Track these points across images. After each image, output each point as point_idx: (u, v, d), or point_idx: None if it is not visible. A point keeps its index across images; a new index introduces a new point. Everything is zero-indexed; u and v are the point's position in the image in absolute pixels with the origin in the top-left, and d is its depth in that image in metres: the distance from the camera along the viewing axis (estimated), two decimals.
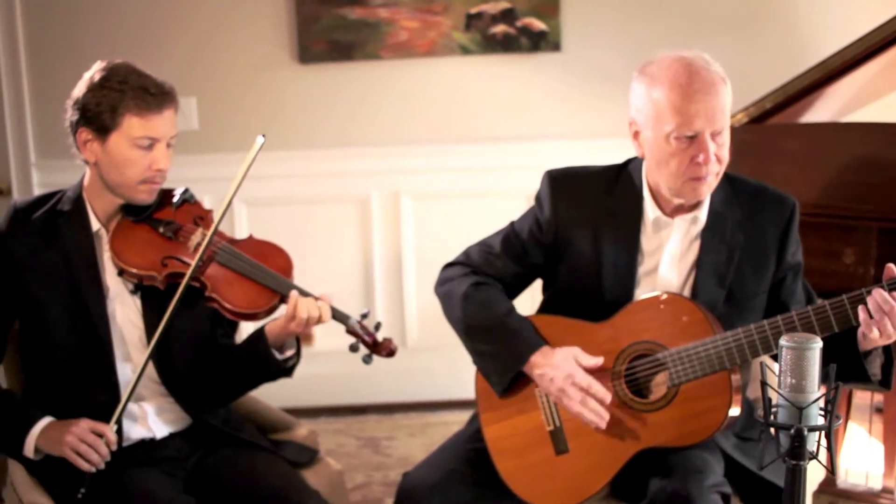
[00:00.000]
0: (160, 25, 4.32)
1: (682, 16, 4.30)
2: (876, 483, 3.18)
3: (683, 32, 4.24)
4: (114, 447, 2.26)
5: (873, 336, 2.05)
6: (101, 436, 2.24)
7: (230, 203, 2.31)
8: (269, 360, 2.36)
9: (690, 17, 4.30)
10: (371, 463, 3.95)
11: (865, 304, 2.05)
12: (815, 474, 3.28)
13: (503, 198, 4.18)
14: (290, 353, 2.41)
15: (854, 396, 3.30)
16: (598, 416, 2.23)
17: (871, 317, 2.04)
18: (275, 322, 2.34)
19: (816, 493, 3.21)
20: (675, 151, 2.18)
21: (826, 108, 3.71)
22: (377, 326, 2.40)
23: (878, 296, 2.03)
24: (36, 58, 4.36)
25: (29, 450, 2.29)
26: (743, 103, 3.58)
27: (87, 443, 2.23)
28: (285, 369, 2.41)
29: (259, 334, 2.37)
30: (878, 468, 3.14)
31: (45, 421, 2.31)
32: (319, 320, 2.30)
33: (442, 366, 4.24)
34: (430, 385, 4.42)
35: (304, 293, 2.32)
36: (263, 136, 2.30)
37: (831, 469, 1.70)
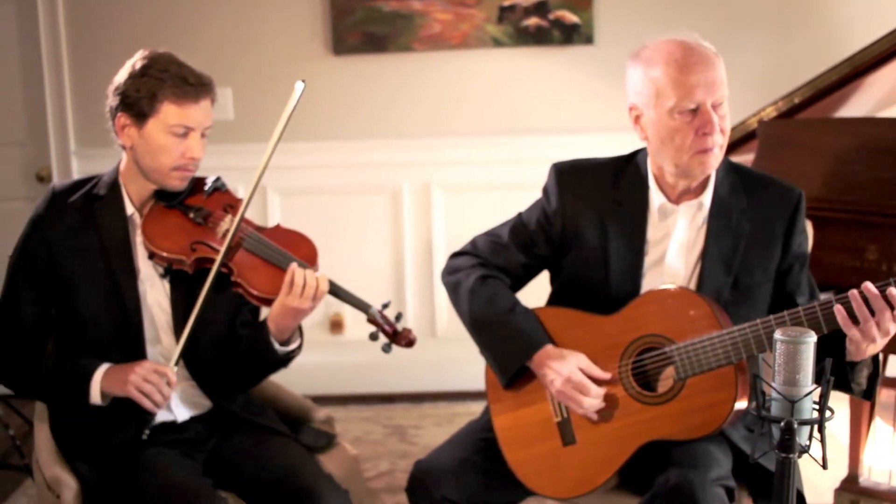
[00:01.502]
0: (198, 17, 4.41)
1: (715, 10, 4.30)
2: None
3: (715, 26, 4.21)
4: (174, 388, 2.33)
5: (854, 336, 2.06)
6: (162, 375, 2.31)
7: (261, 178, 2.34)
8: (267, 349, 2.40)
9: (724, 11, 4.30)
10: (396, 451, 3.99)
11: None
12: (836, 472, 3.27)
13: (534, 190, 4.16)
14: (293, 346, 2.45)
15: (879, 394, 3.28)
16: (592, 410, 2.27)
17: (852, 319, 2.05)
18: (276, 302, 2.34)
19: (838, 491, 3.19)
20: (679, 126, 2.21)
21: (860, 104, 3.67)
22: (398, 317, 2.43)
23: (868, 290, 2.03)
24: (77, 49, 4.47)
25: (95, 394, 2.35)
26: (774, 97, 3.56)
27: (150, 382, 2.30)
28: (282, 360, 2.44)
29: (261, 325, 2.41)
30: None
31: (106, 365, 2.37)
32: (318, 292, 2.31)
33: (470, 356, 4.19)
34: (459, 375, 4.44)
35: (303, 266, 2.34)
36: (303, 81, 2.33)
37: (823, 464, 1.70)
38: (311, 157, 4.38)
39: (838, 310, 2.06)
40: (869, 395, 2.23)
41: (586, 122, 4.38)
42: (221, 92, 4.27)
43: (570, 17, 4.29)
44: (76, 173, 4.51)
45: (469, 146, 4.43)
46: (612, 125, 4.29)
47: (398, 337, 2.40)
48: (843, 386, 2.19)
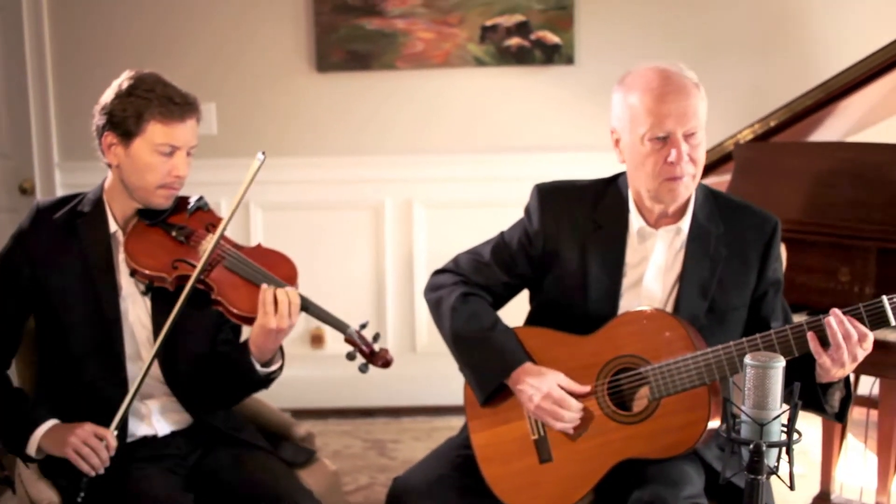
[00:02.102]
0: (182, 33, 4.44)
1: (694, 32, 4.36)
2: (870, 499, 3.21)
3: (696, 49, 4.30)
4: (113, 452, 2.32)
5: (825, 364, 2.11)
6: (102, 439, 2.31)
7: (235, 210, 2.38)
8: (248, 370, 2.41)
9: (703, 33, 4.36)
10: (376, 465, 4.02)
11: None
12: (808, 489, 3.32)
13: (514, 207, 4.19)
14: (274, 367, 2.46)
15: (852, 412, 3.33)
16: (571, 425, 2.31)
17: (823, 345, 2.10)
18: (255, 324, 2.36)
19: None
20: (649, 152, 2.26)
21: (834, 128, 3.75)
22: (376, 337, 2.44)
23: (836, 317, 2.09)
24: (61, 61, 4.49)
25: (32, 449, 2.37)
26: (752, 120, 3.63)
27: (89, 446, 2.30)
28: (262, 380, 2.46)
29: (242, 346, 2.43)
30: (873, 484, 3.17)
31: (51, 423, 2.39)
32: (291, 306, 2.32)
33: (449, 371, 4.23)
34: (438, 390, 4.48)
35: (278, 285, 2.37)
36: (263, 153, 2.37)
37: (790, 485, 1.75)
38: (294, 173, 4.42)
39: (811, 336, 2.11)
40: (841, 417, 2.29)
41: (566, 141, 4.44)
42: (205, 107, 4.26)
43: (552, 38, 4.35)
44: (59, 186, 4.54)
45: (451, 163, 4.47)
46: (591, 144, 4.35)
47: (375, 357, 2.41)
48: (817, 407, 2.25)
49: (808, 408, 2.25)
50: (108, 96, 2.42)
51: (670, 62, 2.32)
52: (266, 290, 2.33)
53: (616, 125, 2.35)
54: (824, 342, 2.12)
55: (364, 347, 2.40)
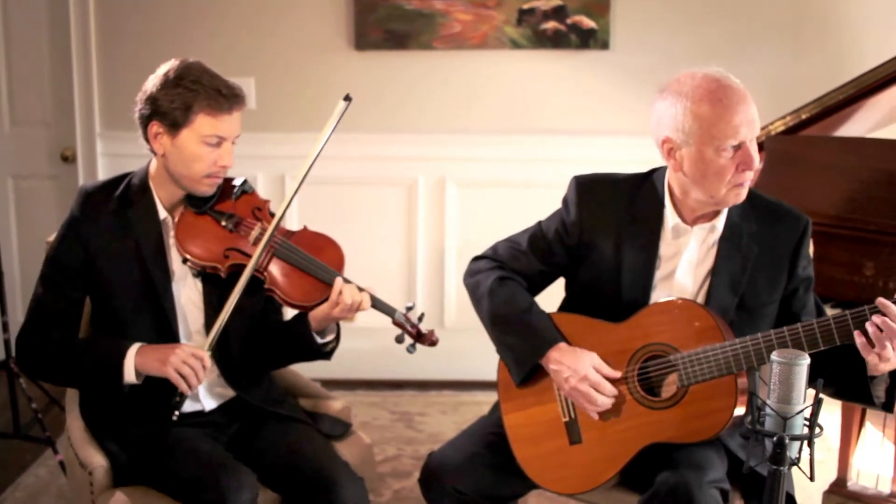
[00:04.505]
0: (223, 8, 4.49)
1: (730, 22, 4.38)
2: (885, 486, 3.25)
3: (730, 38, 4.33)
4: (208, 373, 2.42)
5: (872, 361, 2.18)
6: (199, 360, 2.39)
7: (293, 198, 2.47)
8: (310, 344, 2.53)
9: (739, 23, 4.38)
10: (403, 437, 4.11)
11: (867, 320, 2.17)
12: (825, 475, 3.39)
13: (545, 189, 4.27)
14: (329, 337, 2.57)
15: None
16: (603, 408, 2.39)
17: (870, 343, 2.16)
18: (319, 308, 2.47)
19: (826, 493, 3.29)
20: (724, 162, 2.30)
21: (863, 122, 3.77)
22: (421, 318, 2.54)
23: (878, 319, 2.15)
24: (105, 31, 4.56)
25: (129, 372, 2.40)
26: (784, 112, 3.66)
27: (188, 364, 2.38)
28: (323, 353, 2.57)
29: (302, 318, 2.52)
30: (889, 472, 3.22)
31: (139, 344, 2.43)
32: (360, 307, 2.45)
33: (477, 347, 4.33)
34: (465, 365, 4.58)
35: (347, 281, 2.47)
36: (349, 98, 2.44)
37: (811, 476, 1.84)
38: (329, 149, 4.42)
39: (857, 335, 2.17)
40: (889, 407, 2.33)
41: (599, 126, 4.49)
42: (244, 81, 4.39)
43: (588, 23, 4.39)
44: (100, 155, 4.62)
45: (484, 144, 4.53)
46: (624, 129, 4.40)
47: (423, 338, 2.52)
48: (863, 398, 2.30)
49: (854, 399, 2.32)
50: (153, 84, 2.43)
51: (715, 69, 2.34)
52: (344, 290, 2.42)
53: (674, 136, 2.34)
54: (870, 343, 2.16)
55: (411, 329, 2.50)
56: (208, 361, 2.41)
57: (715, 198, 2.35)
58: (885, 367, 2.21)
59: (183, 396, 2.41)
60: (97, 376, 2.46)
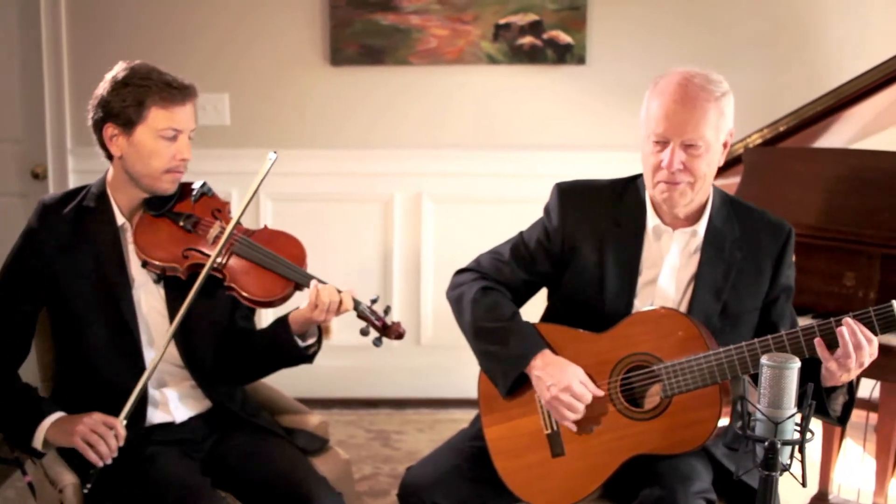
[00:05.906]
0: (197, 20, 4.46)
1: (706, 36, 4.40)
2: (867, 500, 3.26)
3: (707, 52, 4.34)
4: (122, 442, 2.33)
5: (831, 368, 2.17)
6: (111, 428, 2.32)
7: (244, 210, 2.42)
8: (291, 347, 2.49)
9: (715, 37, 4.40)
10: (379, 455, 4.07)
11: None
12: (807, 488, 3.37)
13: (522, 204, 4.26)
14: (311, 340, 2.53)
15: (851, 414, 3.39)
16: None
17: (830, 349, 2.15)
18: (299, 311, 2.45)
19: None
20: (648, 154, 2.36)
21: (840, 134, 3.79)
22: (387, 310, 2.51)
23: (848, 327, 2.13)
24: (77, 47, 4.52)
25: (38, 441, 2.38)
26: (763, 124, 3.68)
27: (97, 433, 2.31)
28: (306, 356, 2.53)
29: (282, 321, 2.49)
30: (870, 486, 3.22)
31: (58, 415, 2.40)
32: (341, 307, 2.41)
33: (453, 364, 4.34)
34: (442, 382, 4.55)
35: (322, 283, 2.43)
36: (275, 152, 2.42)
37: (803, 481, 1.81)
38: (304, 165, 4.46)
39: (818, 342, 2.16)
40: (843, 421, 2.36)
41: (576, 140, 4.48)
42: (218, 97, 4.39)
43: (564, 38, 4.39)
44: (72, 171, 4.56)
45: (461, 159, 4.52)
46: (600, 144, 4.41)
47: (388, 330, 2.49)
48: (819, 411, 2.30)
49: (814, 413, 2.30)
50: (103, 89, 2.43)
51: (700, 69, 2.35)
52: (320, 291, 2.39)
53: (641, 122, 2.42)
54: (831, 346, 2.16)
55: (377, 321, 2.47)
56: (122, 430, 2.32)
57: (650, 195, 2.40)
58: (844, 378, 2.20)
59: (95, 468, 2.33)
60: (10, 424, 2.45)
